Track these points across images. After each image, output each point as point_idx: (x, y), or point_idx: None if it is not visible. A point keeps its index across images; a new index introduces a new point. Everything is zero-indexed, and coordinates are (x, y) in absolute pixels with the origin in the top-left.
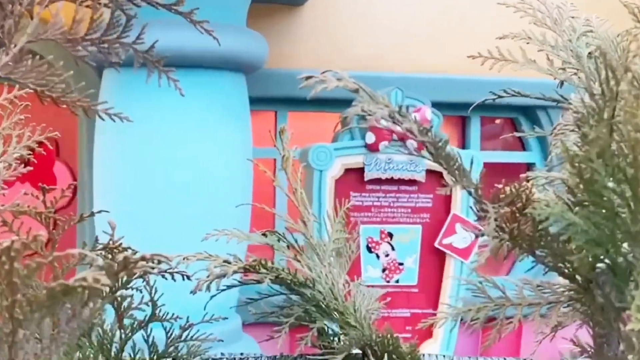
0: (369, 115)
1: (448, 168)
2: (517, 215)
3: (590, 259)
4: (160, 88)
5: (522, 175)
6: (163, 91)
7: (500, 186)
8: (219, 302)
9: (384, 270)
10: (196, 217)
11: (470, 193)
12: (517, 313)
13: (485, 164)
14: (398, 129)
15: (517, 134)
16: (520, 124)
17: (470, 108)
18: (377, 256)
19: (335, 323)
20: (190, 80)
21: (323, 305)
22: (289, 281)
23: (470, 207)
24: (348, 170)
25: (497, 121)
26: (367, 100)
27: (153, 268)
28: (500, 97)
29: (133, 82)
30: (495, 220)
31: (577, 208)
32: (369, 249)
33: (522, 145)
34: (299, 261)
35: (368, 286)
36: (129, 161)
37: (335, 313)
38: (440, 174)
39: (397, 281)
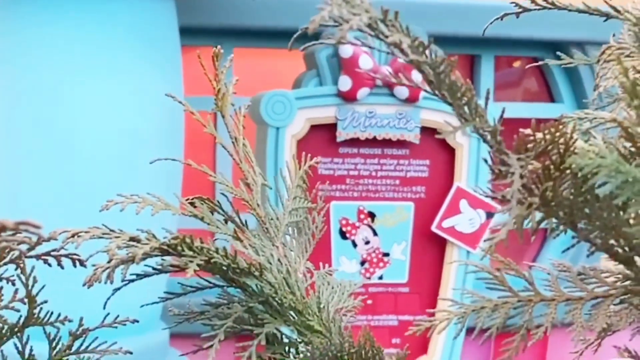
0: (340, 24)
1: (454, 102)
2: (552, 171)
3: None
4: (52, 13)
5: (559, 116)
6: (55, 17)
7: (527, 131)
8: (144, 302)
9: (362, 262)
10: (104, 190)
11: (484, 139)
12: (549, 312)
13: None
14: (385, 69)
15: (537, 64)
16: (547, 65)
17: (485, 28)
18: (354, 244)
19: (291, 327)
20: (96, 4)
21: (274, 302)
22: (225, 267)
23: (484, 160)
24: (315, 128)
25: (517, 63)
26: (337, 3)
27: (29, 248)
28: (525, 10)
29: (12, 5)
30: (521, 177)
31: (638, 159)
32: (343, 235)
33: (549, 95)
34: (240, 240)
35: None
36: (6, 112)
37: (292, 313)
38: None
39: (380, 278)
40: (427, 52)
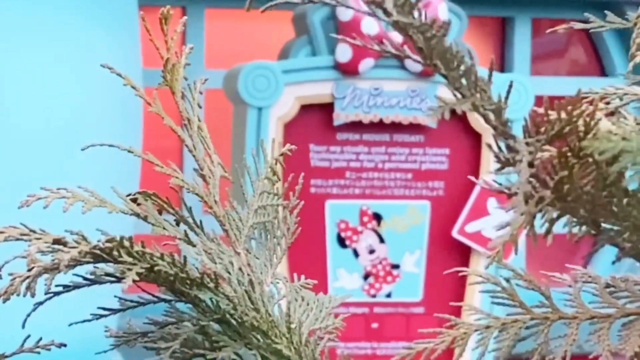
0: None
1: (448, 74)
2: (570, 158)
3: None
4: None
5: (578, 90)
6: None
7: (539, 110)
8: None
9: (366, 276)
10: (46, 179)
11: (486, 119)
12: (569, 333)
13: (539, 98)
14: (395, 36)
15: (581, 25)
16: (598, 33)
17: None
18: (356, 253)
19: (254, 351)
20: None
21: (233, 321)
22: (172, 277)
23: (488, 145)
24: (307, 108)
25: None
26: None
27: None
28: None
29: None
30: (531, 166)
31: None
32: (342, 242)
33: (600, 67)
34: (192, 244)
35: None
36: None
37: (256, 334)
38: (462, 114)
39: (388, 295)
40: (414, 12)
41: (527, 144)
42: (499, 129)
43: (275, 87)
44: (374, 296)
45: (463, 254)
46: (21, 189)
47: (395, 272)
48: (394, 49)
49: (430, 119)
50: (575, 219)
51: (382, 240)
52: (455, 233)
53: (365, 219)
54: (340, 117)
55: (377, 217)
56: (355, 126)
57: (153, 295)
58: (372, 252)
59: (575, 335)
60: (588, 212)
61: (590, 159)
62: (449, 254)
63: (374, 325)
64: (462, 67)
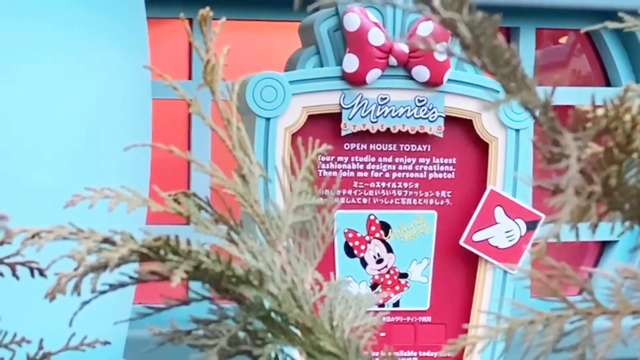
0: None
1: (497, 71)
2: (616, 154)
3: None
4: None
5: (624, 87)
6: None
7: (584, 107)
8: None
9: (374, 286)
10: (53, 192)
11: (533, 115)
12: (612, 327)
13: None
14: (399, 47)
15: (587, 29)
16: (602, 40)
17: None
18: (363, 263)
19: (298, 347)
20: None
21: (277, 318)
22: (217, 276)
23: (532, 142)
24: (314, 118)
25: (563, 39)
26: None
27: None
28: None
29: None
30: (579, 161)
31: None
32: (349, 251)
33: (605, 77)
34: (234, 243)
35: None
36: None
37: (299, 331)
38: (469, 123)
39: (396, 304)
40: (462, 9)
41: (575, 138)
42: (546, 124)
43: (283, 98)
44: (382, 305)
45: (470, 263)
46: (44, 189)
47: (403, 281)
48: (400, 60)
49: (437, 129)
50: (622, 216)
51: (389, 250)
52: (462, 242)
53: (373, 228)
54: (347, 127)
55: (385, 227)
56: (363, 136)
57: (198, 293)
58: (379, 261)
59: (619, 329)
60: (634, 207)
61: (637, 155)
62: (456, 262)
63: (382, 334)
64: (512, 65)
